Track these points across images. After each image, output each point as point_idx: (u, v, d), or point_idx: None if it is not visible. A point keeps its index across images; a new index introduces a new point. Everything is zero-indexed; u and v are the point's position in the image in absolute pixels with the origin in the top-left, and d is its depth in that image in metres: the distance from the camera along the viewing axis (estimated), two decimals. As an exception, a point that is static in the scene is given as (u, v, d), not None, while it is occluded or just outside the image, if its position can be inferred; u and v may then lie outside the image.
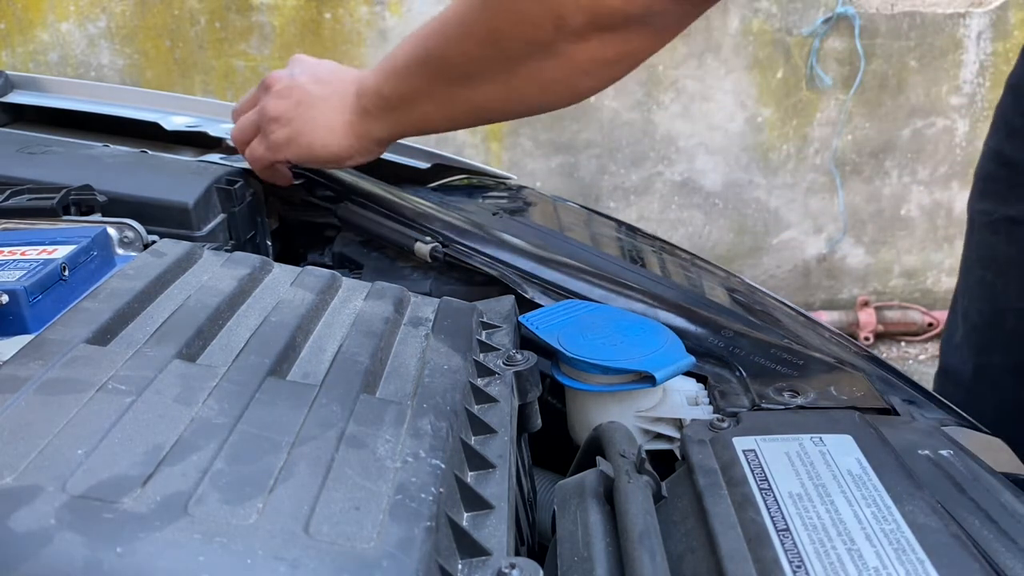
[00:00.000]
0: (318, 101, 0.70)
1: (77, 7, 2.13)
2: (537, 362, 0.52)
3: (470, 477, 0.41)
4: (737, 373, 0.59)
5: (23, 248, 0.51)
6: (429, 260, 0.71)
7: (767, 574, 0.36)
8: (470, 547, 0.35)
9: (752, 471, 0.44)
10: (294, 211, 0.84)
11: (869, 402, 0.54)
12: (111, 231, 0.58)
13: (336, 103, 0.69)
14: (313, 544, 0.31)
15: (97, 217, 0.63)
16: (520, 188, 1.00)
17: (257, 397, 0.39)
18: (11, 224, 0.59)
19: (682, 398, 0.57)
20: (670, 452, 0.56)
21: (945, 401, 0.63)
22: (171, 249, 0.54)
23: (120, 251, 0.59)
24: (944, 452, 0.48)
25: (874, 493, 0.41)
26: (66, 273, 0.49)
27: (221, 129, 0.86)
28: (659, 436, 0.56)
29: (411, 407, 0.42)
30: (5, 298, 0.45)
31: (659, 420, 0.56)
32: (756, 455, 0.45)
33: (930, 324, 2.41)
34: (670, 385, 0.57)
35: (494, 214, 0.85)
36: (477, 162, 1.05)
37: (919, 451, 0.48)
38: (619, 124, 2.28)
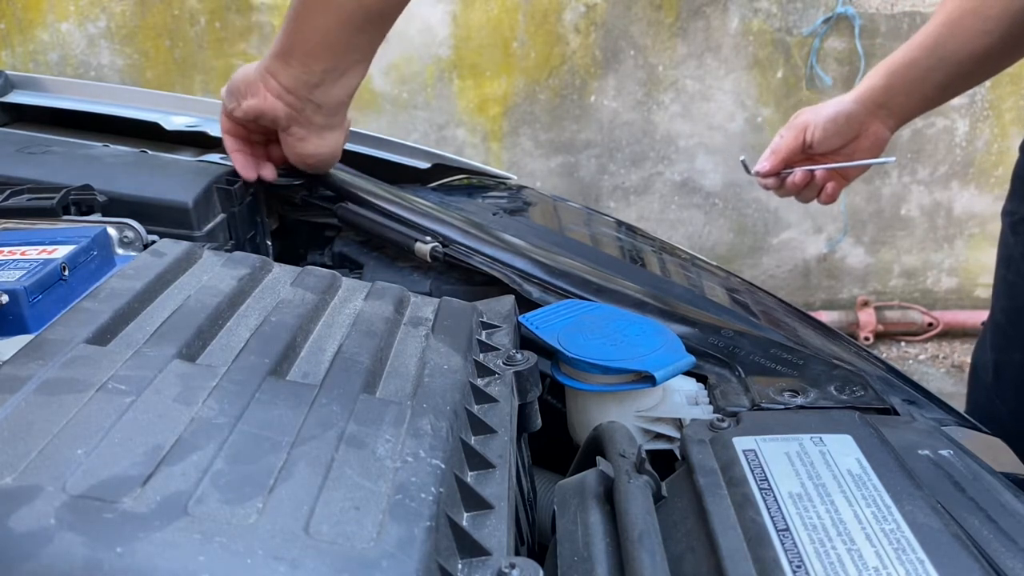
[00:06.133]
0: None
1: (77, 7, 2.13)
2: (537, 362, 0.52)
3: (470, 477, 0.41)
4: (737, 373, 0.59)
5: (23, 248, 0.51)
6: (429, 260, 0.71)
7: (767, 574, 0.36)
8: (470, 547, 0.35)
9: (752, 471, 0.44)
10: (294, 211, 0.84)
11: (869, 402, 0.54)
12: (111, 231, 0.58)
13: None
14: (313, 544, 0.31)
15: (97, 217, 0.63)
16: (520, 188, 1.00)
17: (257, 397, 0.39)
18: (11, 224, 0.59)
19: (682, 398, 0.57)
20: (670, 452, 0.56)
21: (945, 401, 0.63)
22: (171, 249, 0.54)
23: (120, 251, 0.59)
24: (944, 452, 0.48)
25: (874, 493, 0.41)
26: (66, 273, 0.49)
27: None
28: (659, 436, 0.56)
29: (411, 407, 0.42)
30: (5, 298, 0.45)
31: (659, 420, 0.56)
32: (756, 455, 0.45)
33: (930, 324, 2.41)
34: (670, 385, 0.57)
35: (494, 214, 0.85)
36: (477, 162, 1.05)
37: (919, 451, 0.48)
38: (619, 124, 2.28)
